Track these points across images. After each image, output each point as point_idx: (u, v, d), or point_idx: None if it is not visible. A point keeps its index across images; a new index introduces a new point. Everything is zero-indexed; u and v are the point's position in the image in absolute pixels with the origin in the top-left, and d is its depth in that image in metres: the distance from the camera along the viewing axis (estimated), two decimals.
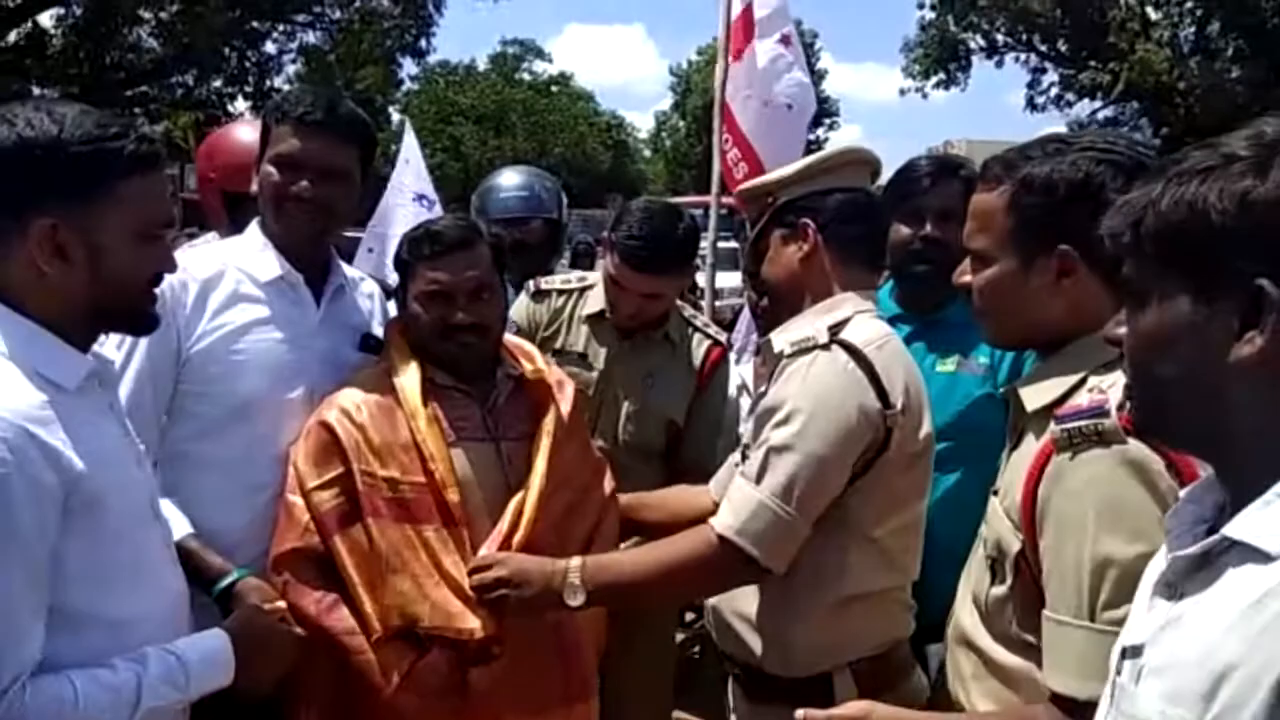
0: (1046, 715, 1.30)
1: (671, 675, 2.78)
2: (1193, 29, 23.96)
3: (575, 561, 1.78)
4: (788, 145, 4.72)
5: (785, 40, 4.38)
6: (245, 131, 2.78)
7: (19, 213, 1.38)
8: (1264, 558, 0.83)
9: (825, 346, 1.72)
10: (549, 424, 2.00)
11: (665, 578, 1.80)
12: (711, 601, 1.93)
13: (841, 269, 1.85)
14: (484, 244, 2.02)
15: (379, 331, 2.16)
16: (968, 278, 1.51)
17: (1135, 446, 1.24)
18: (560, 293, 2.65)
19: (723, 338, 2.74)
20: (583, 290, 2.64)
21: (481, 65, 45.38)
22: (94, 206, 1.40)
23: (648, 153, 51.33)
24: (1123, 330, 0.98)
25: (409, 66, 26.12)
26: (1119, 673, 0.95)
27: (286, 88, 23.12)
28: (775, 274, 1.90)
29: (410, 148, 5.03)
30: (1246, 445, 0.89)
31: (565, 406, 2.06)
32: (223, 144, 2.89)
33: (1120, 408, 1.23)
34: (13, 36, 18.10)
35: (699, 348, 2.64)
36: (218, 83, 21.50)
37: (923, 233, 2.30)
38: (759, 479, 1.70)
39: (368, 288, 2.26)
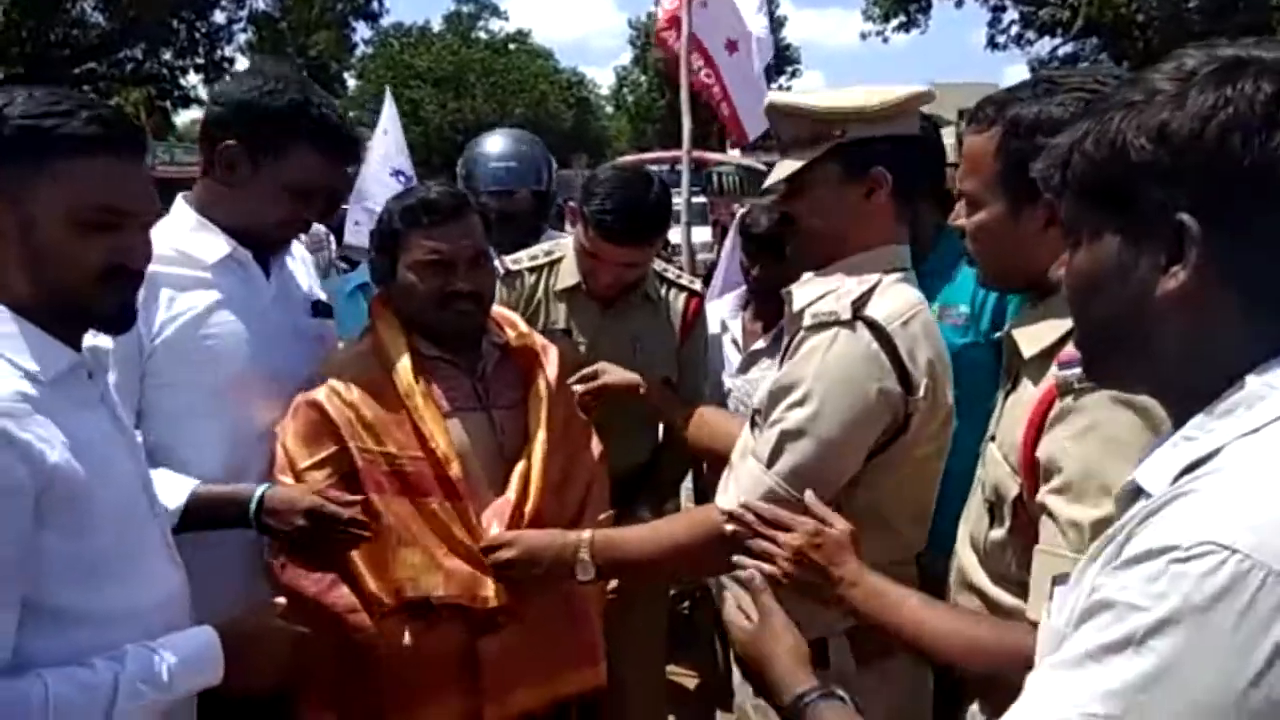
0: (1026, 634, 1.28)
1: (665, 634, 2.80)
2: None
3: (585, 535, 1.79)
4: (750, 88, 4.74)
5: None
6: None
7: None
8: (1141, 495, 0.85)
9: (848, 323, 1.63)
10: (540, 390, 2.01)
11: (672, 555, 1.80)
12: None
13: (895, 223, 1.75)
14: (475, 212, 2.01)
15: (322, 296, 2.17)
16: (962, 220, 1.48)
17: None
18: (530, 270, 2.61)
19: (697, 286, 2.73)
20: (552, 265, 2.60)
21: (436, 26, 44.65)
22: (29, 185, 1.33)
23: (610, 109, 50.80)
24: (1062, 272, 0.98)
25: (362, 30, 25.68)
26: (1050, 597, 0.98)
27: (237, 57, 22.64)
28: (824, 213, 1.73)
29: (390, 119, 4.94)
30: (1179, 376, 0.89)
31: (552, 371, 2.06)
32: None
33: None
34: None
35: (677, 301, 2.64)
36: (167, 55, 20.99)
37: None
38: (770, 461, 1.66)
39: (296, 250, 2.21)
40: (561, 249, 2.63)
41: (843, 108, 1.68)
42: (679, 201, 5.29)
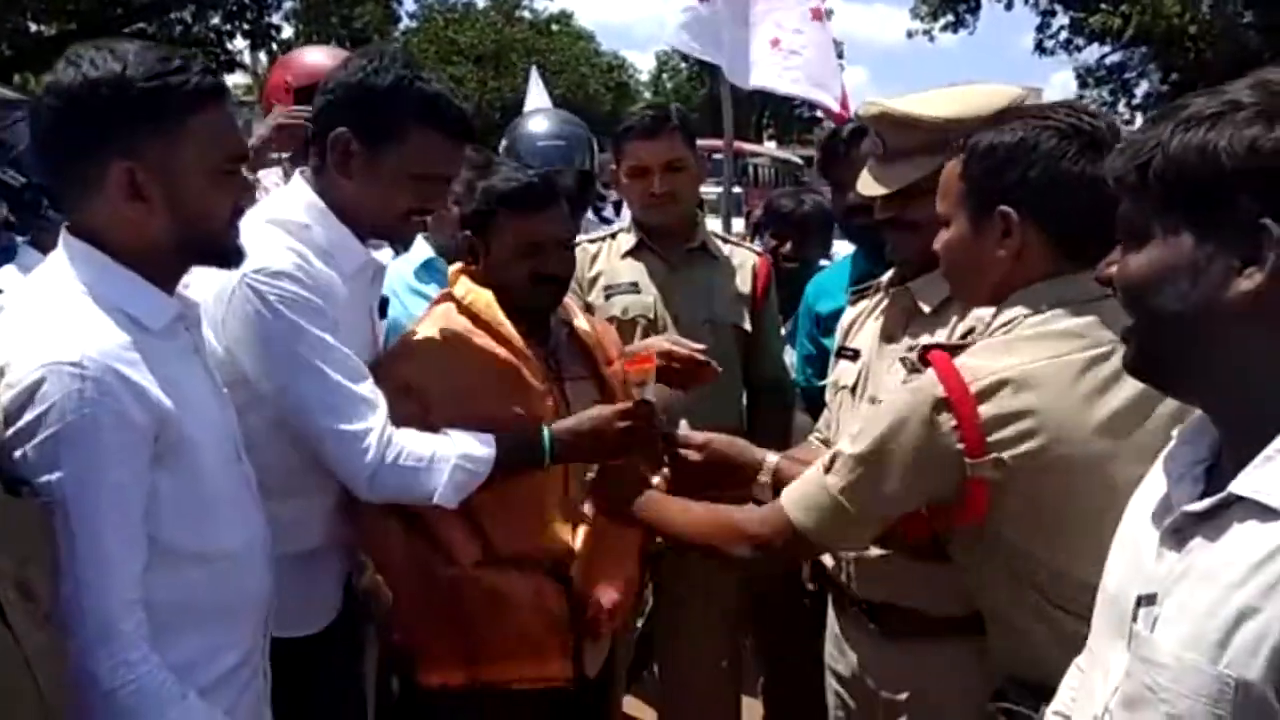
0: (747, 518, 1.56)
1: (733, 614, 2.79)
2: None
3: (771, 459, 1.88)
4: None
5: (775, 44, 4.37)
6: (317, 55, 3.05)
7: (94, 155, 1.37)
8: (1269, 514, 0.87)
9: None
10: (617, 365, 2.17)
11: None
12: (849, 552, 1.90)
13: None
14: (563, 197, 2.11)
15: (393, 290, 2.23)
16: (937, 244, 1.61)
17: None
18: (590, 243, 2.71)
19: (759, 250, 2.87)
20: (612, 236, 2.72)
21: (480, 3, 44.64)
22: (167, 144, 1.38)
23: (648, 94, 50.65)
24: (1114, 269, 1.03)
25: (408, 3, 25.74)
26: (1135, 620, 0.99)
27: (283, 25, 22.79)
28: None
29: None
30: (1241, 387, 0.93)
31: (614, 349, 2.23)
32: (298, 60, 3.12)
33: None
34: None
35: (745, 261, 2.73)
36: (215, 20, 21.17)
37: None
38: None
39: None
40: (619, 224, 2.79)
41: (965, 116, 1.72)
42: (718, 191, 5.35)
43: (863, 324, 2.07)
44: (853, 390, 2.01)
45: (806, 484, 1.58)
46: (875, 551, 1.84)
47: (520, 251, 2.04)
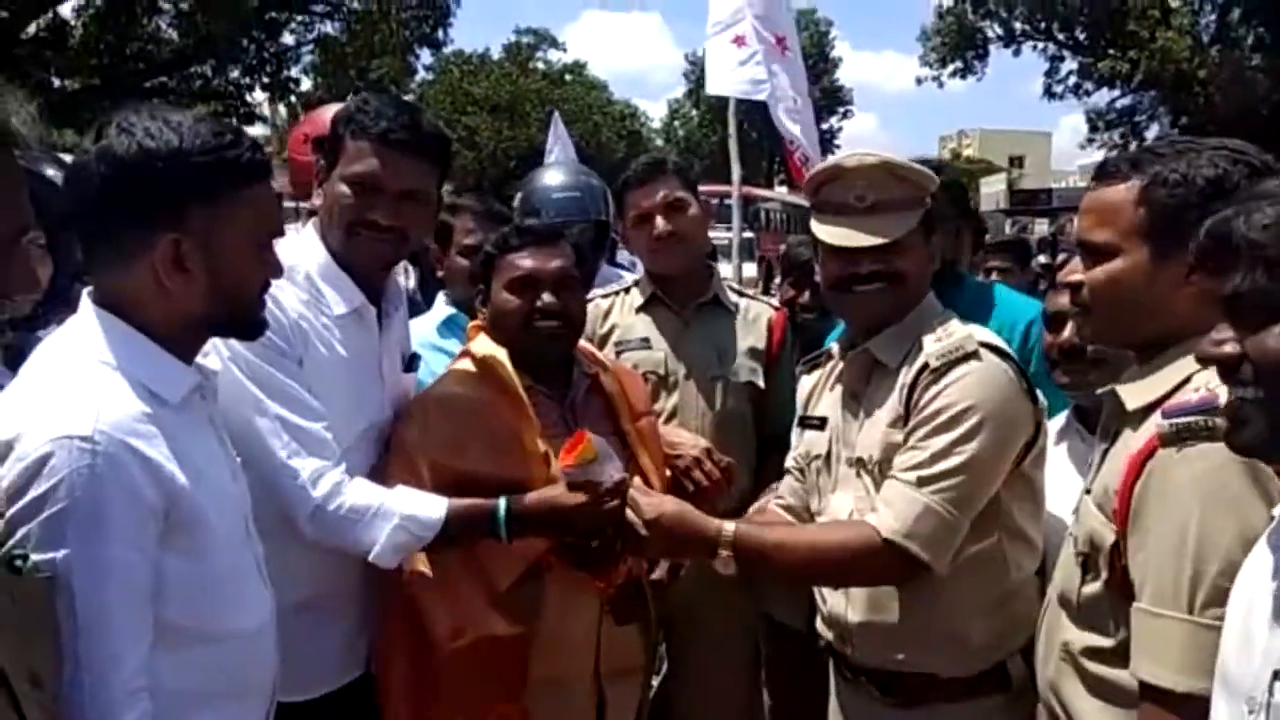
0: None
1: (751, 661, 2.77)
2: (1214, 17, 23.71)
3: (729, 528, 1.82)
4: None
5: (739, 40, 4.61)
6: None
7: (142, 225, 1.35)
8: None
9: (974, 354, 1.78)
10: (642, 423, 2.16)
11: (814, 563, 1.84)
12: (855, 619, 1.89)
13: None
14: (569, 243, 2.10)
15: (415, 349, 2.19)
16: (1078, 275, 1.52)
17: None
18: (604, 297, 2.70)
19: (775, 303, 2.83)
20: (624, 290, 2.71)
21: (495, 54, 45.41)
22: (216, 217, 1.37)
23: (660, 141, 51.20)
24: (1228, 349, 1.01)
25: (424, 56, 26.19)
26: (1271, 693, 0.97)
27: (302, 78, 23.21)
28: (920, 266, 1.91)
29: None
30: None
31: (642, 403, 2.21)
32: (320, 116, 3.18)
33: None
34: (33, 28, 18.19)
35: (760, 313, 2.69)
36: (235, 73, 21.57)
37: None
38: (923, 484, 1.74)
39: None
40: (630, 279, 2.75)
41: (933, 177, 1.91)
42: (729, 236, 5.44)
43: (821, 393, 2.07)
44: (826, 458, 1.99)
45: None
46: (878, 617, 1.85)
47: (514, 288, 2.02)
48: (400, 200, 1.88)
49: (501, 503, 1.86)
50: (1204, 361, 1.06)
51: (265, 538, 1.59)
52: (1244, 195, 1.08)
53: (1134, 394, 1.43)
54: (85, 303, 1.40)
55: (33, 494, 1.23)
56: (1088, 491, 1.49)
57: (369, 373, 1.97)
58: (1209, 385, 1.31)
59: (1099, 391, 1.58)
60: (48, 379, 1.33)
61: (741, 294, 2.77)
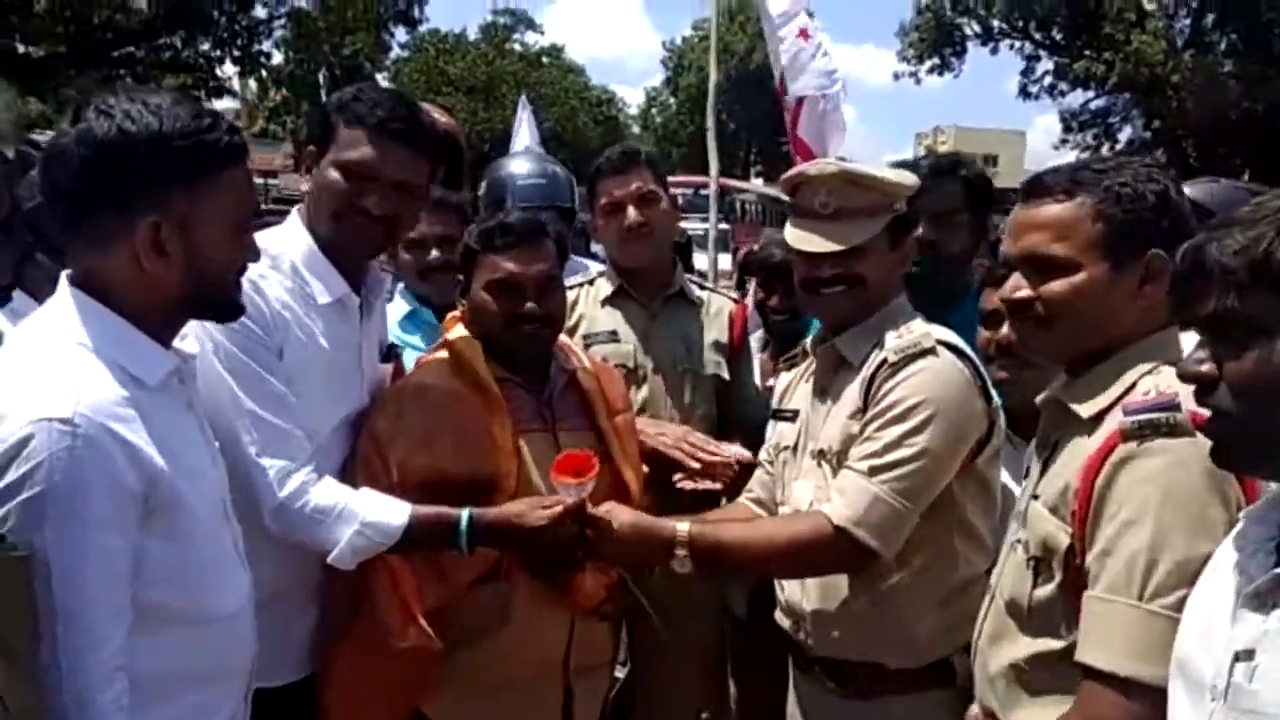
0: (1087, 700, 1.33)
1: (715, 654, 2.78)
2: (1188, 21, 24.00)
3: (684, 529, 1.85)
4: (833, 134, 4.82)
5: (803, 34, 4.47)
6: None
7: (121, 208, 1.35)
8: None
9: (931, 350, 1.83)
10: (619, 419, 2.13)
11: (769, 556, 1.89)
12: (810, 607, 1.94)
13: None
14: (550, 238, 2.05)
15: (392, 339, 2.18)
16: (1025, 292, 1.50)
17: (1205, 440, 1.25)
18: (569, 289, 2.65)
19: (736, 296, 2.85)
20: (590, 282, 2.69)
21: (472, 34, 45.05)
22: (195, 200, 1.38)
23: (637, 129, 51.09)
24: (1206, 369, 1.07)
25: (399, 34, 25.92)
26: (1232, 675, 1.03)
27: (274, 52, 22.89)
28: (883, 272, 1.94)
29: None
30: None
31: (620, 400, 2.18)
32: None
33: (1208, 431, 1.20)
34: None
35: (722, 306, 2.71)
36: (205, 46, 21.21)
37: (917, 235, 2.19)
38: (874, 473, 1.79)
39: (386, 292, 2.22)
40: (596, 270, 2.73)
41: (902, 184, 1.94)
42: (705, 227, 5.40)
43: (796, 386, 2.13)
44: (794, 449, 2.05)
45: None
46: (831, 606, 1.91)
47: (495, 291, 2.00)
48: (393, 190, 1.88)
49: (464, 515, 1.84)
50: (1184, 379, 1.10)
51: (241, 524, 1.59)
52: (1216, 221, 1.11)
53: (1085, 403, 1.46)
54: (63, 285, 1.40)
55: (11, 476, 1.23)
56: (1035, 496, 1.50)
57: (349, 363, 1.97)
58: (1157, 388, 1.38)
59: (1038, 400, 1.59)
60: (26, 361, 1.33)
61: (702, 287, 2.79)
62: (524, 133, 6.54)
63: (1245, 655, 1.03)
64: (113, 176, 1.34)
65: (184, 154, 1.35)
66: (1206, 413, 1.12)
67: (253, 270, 1.73)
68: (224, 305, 1.50)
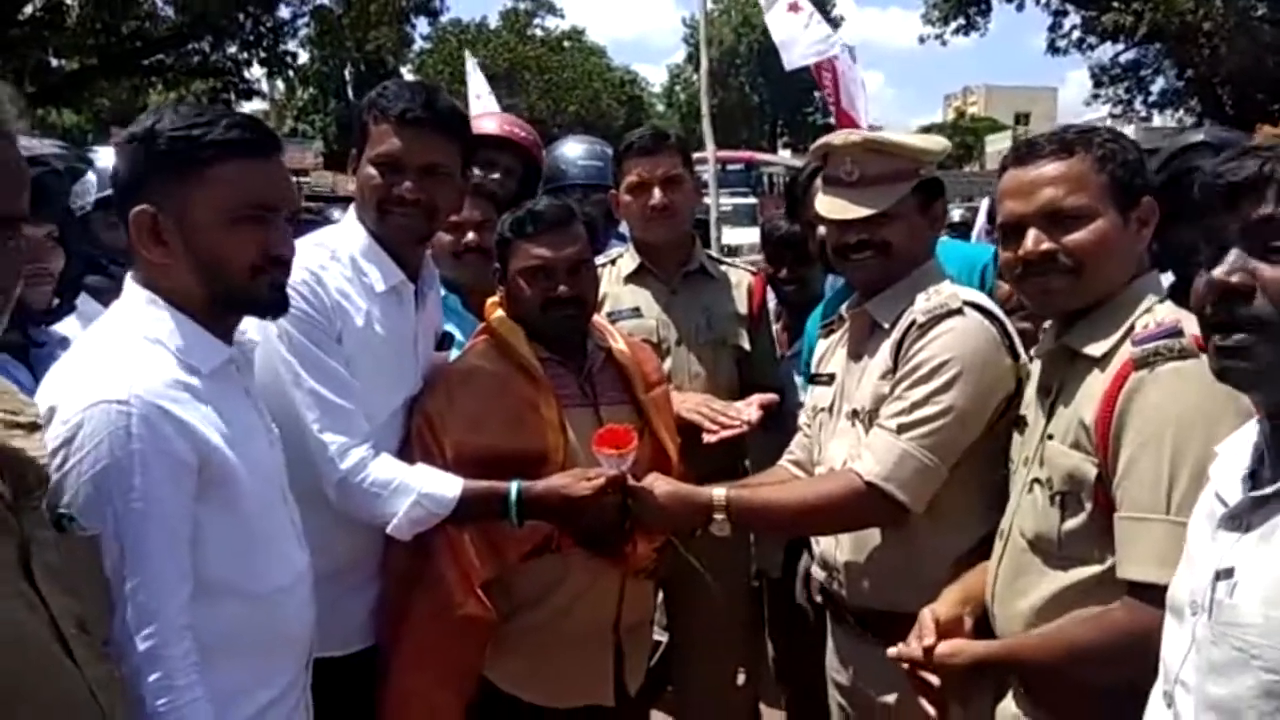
0: (1125, 610, 1.44)
1: (744, 615, 2.87)
2: None
3: (720, 494, 1.95)
4: (856, 94, 4.87)
5: (793, 8, 4.51)
6: (489, 123, 3.18)
7: (130, 203, 1.49)
8: None
9: (958, 311, 1.88)
10: (657, 393, 2.25)
11: (803, 514, 1.97)
12: (843, 559, 2.01)
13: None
14: (579, 222, 2.15)
15: (448, 328, 2.27)
16: (1048, 244, 1.59)
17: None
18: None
19: (754, 269, 2.94)
20: (613, 261, 2.78)
21: (493, 22, 45.02)
22: (187, 191, 1.48)
23: (661, 107, 50.84)
24: (1237, 279, 1.07)
25: (421, 26, 26.00)
26: (1214, 592, 1.09)
27: (299, 51, 23.07)
28: (910, 236, 2.00)
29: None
30: None
31: (656, 374, 2.29)
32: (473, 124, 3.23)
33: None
34: (30, 8, 18.09)
35: (740, 279, 2.80)
36: (232, 49, 21.44)
37: None
38: (903, 430, 1.85)
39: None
40: (617, 250, 2.83)
41: (927, 149, 2.01)
42: (735, 203, 5.52)
43: (833, 351, 2.20)
44: (830, 410, 2.11)
45: None
46: (862, 558, 1.97)
47: (528, 277, 2.10)
48: (423, 175, 1.97)
49: (514, 487, 1.94)
50: (1217, 292, 1.10)
51: (303, 505, 1.68)
52: (1231, 153, 1.15)
53: (1095, 344, 1.57)
54: (128, 281, 1.54)
55: (76, 456, 1.33)
56: (1049, 437, 1.59)
57: (405, 349, 2.06)
58: (1157, 320, 1.51)
59: (1034, 352, 1.74)
60: (87, 354, 1.45)
61: (721, 262, 2.88)
62: (483, 96, 6.48)
63: (1225, 574, 1.09)
64: (124, 174, 1.51)
65: (172, 146, 1.47)
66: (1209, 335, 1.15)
67: (314, 261, 1.87)
68: (249, 300, 1.54)
